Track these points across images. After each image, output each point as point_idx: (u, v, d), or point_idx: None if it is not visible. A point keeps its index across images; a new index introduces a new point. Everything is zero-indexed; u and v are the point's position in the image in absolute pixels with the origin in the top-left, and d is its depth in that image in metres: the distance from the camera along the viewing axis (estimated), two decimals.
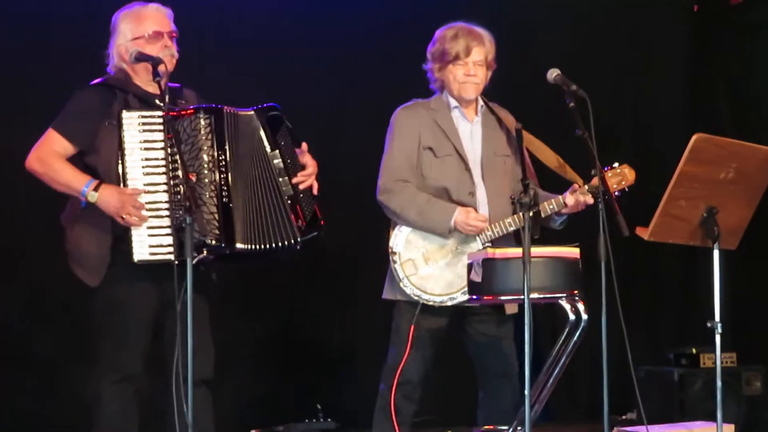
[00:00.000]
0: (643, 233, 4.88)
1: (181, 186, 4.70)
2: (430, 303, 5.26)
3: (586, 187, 5.23)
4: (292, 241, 4.96)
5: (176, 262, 4.69)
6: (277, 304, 7.17)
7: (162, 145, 4.81)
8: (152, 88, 4.96)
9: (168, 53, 4.96)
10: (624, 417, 7.37)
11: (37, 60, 6.48)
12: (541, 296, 4.96)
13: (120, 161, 4.79)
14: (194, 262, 4.53)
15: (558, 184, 5.38)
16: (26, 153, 4.89)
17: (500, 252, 4.96)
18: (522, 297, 4.57)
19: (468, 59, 5.33)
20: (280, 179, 5.00)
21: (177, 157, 4.74)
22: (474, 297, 5.09)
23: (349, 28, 7.24)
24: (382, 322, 5.55)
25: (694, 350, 7.12)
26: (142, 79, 4.99)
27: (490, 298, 5.06)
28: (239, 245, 4.87)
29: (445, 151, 5.34)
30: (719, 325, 4.92)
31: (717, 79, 8.20)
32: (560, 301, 5.09)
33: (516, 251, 4.77)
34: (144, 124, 4.81)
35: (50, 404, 6.49)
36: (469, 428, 5.51)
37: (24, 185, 5.41)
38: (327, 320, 7.16)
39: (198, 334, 4.58)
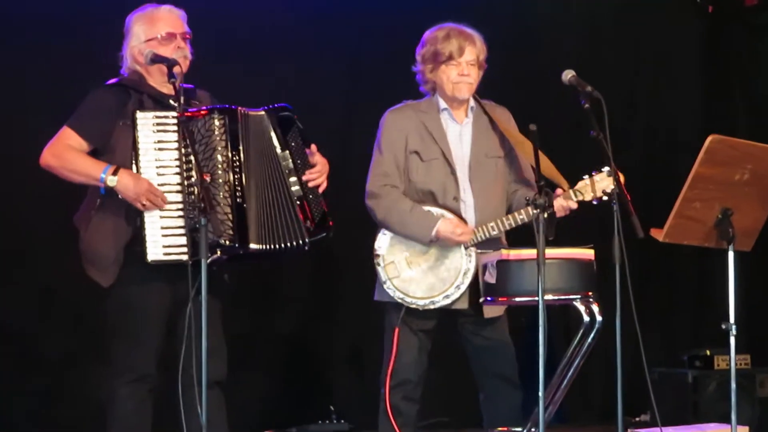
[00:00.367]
0: (658, 235, 4.87)
1: (195, 186, 4.71)
2: (414, 306, 5.26)
3: (571, 192, 5.22)
4: (301, 241, 4.96)
5: (190, 262, 4.70)
6: (290, 305, 7.17)
7: (176, 145, 4.82)
8: (166, 89, 4.96)
9: (181, 54, 4.96)
10: (638, 419, 7.36)
11: (56, 64, 6.49)
12: (556, 298, 4.96)
13: (134, 161, 4.80)
14: (208, 262, 4.53)
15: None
16: (38, 154, 4.90)
17: (515, 253, 4.96)
18: (536, 298, 4.55)
19: (461, 59, 5.30)
20: (290, 179, 5.00)
21: (191, 157, 4.75)
22: (488, 298, 5.09)
23: (359, 29, 7.25)
24: None
25: (708, 352, 7.11)
26: (156, 80, 5.00)
27: (505, 299, 5.07)
28: (253, 245, 4.87)
29: (432, 155, 5.33)
30: (733, 326, 4.91)
31: (731, 81, 8.19)
32: (575, 302, 5.09)
33: (530, 252, 4.76)
34: (158, 124, 4.82)
35: (61, 405, 6.50)
36: (482, 430, 5.50)
37: (37, 187, 5.44)
38: (340, 321, 7.16)
39: (211, 335, 4.58)
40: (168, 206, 4.79)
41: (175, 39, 4.98)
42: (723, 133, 4.86)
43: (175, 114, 4.79)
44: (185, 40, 5.02)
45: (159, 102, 4.94)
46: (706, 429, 5.75)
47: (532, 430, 5.12)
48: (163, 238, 4.77)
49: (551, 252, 4.76)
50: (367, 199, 5.34)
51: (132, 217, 4.80)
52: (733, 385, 4.96)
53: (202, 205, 4.55)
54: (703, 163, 4.76)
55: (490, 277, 5.04)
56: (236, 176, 4.86)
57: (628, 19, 7.99)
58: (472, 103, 5.42)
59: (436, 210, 5.26)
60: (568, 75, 4.96)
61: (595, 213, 5.33)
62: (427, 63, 5.36)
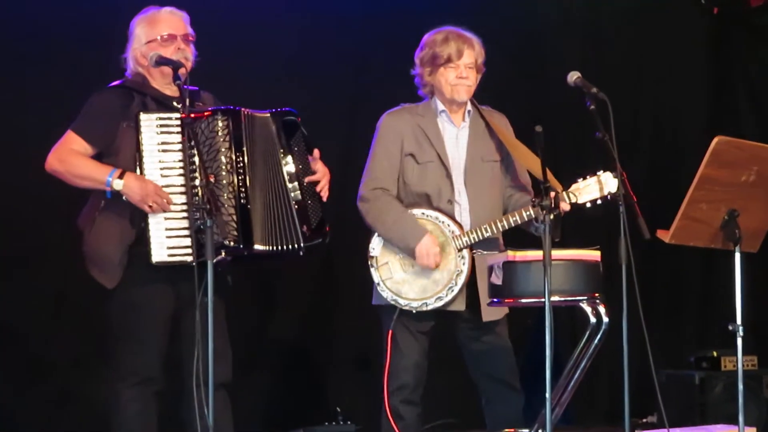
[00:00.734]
0: (664, 236, 4.86)
1: (200, 188, 4.71)
2: (407, 308, 5.26)
3: (565, 194, 5.22)
4: (296, 245, 4.97)
5: (194, 264, 4.70)
6: (296, 306, 7.17)
7: (180, 147, 4.82)
8: (170, 91, 4.98)
9: (182, 56, 4.96)
10: (645, 420, 7.34)
11: (63, 67, 6.49)
12: (562, 299, 4.95)
13: (138, 163, 4.81)
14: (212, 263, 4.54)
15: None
16: (45, 157, 4.91)
17: (521, 255, 4.95)
18: (543, 300, 4.55)
19: (459, 62, 5.31)
20: (290, 184, 5.01)
21: (195, 159, 4.76)
22: (495, 300, 5.09)
23: (365, 33, 7.24)
24: None
25: (715, 353, 7.10)
26: (159, 82, 5.01)
27: (511, 301, 5.06)
28: (257, 246, 4.88)
29: (427, 158, 5.33)
30: (740, 327, 4.90)
31: (737, 82, 8.18)
32: (581, 304, 5.08)
33: (536, 254, 4.76)
34: (162, 126, 4.83)
35: (68, 408, 6.50)
36: None
37: (45, 190, 5.44)
38: (347, 322, 7.15)
39: (216, 336, 4.57)
40: (172, 207, 4.79)
41: (175, 40, 4.98)
42: (729, 135, 4.86)
43: (178, 116, 4.80)
44: (187, 42, 5.02)
45: (162, 104, 4.95)
46: (714, 430, 5.74)
47: (539, 431, 5.11)
48: (168, 240, 4.78)
49: (558, 253, 4.76)
50: (359, 202, 5.37)
51: (136, 218, 4.82)
52: (741, 387, 4.95)
53: (208, 206, 4.55)
54: (709, 165, 4.76)
55: (496, 279, 5.03)
56: (240, 177, 4.87)
57: (632, 20, 7.98)
58: (469, 106, 5.42)
59: (431, 213, 5.27)
60: (573, 76, 4.96)
61: (601, 214, 5.32)
62: (425, 66, 5.37)
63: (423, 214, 5.30)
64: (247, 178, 4.88)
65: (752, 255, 5.12)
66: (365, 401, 6.93)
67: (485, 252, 5.27)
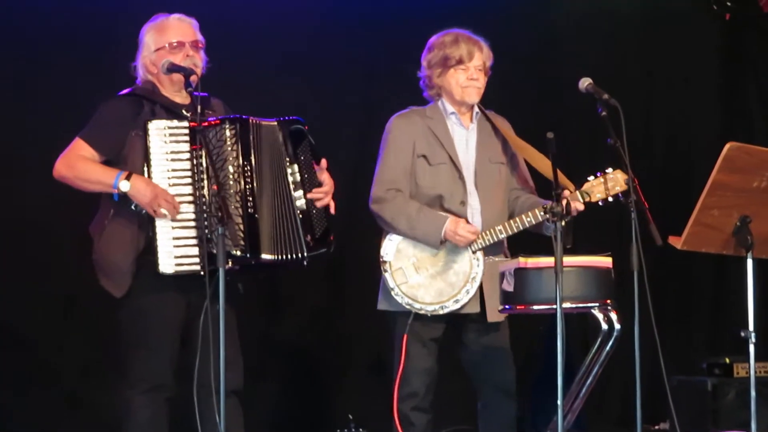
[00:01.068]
0: (676, 242, 4.85)
1: (211, 196, 4.71)
2: (422, 312, 5.24)
3: (578, 193, 5.21)
4: (299, 255, 4.97)
5: (202, 273, 4.71)
6: (308, 313, 7.18)
7: (188, 155, 4.82)
8: (180, 99, 4.98)
9: (190, 63, 4.96)
10: (657, 427, 7.34)
11: (75, 75, 6.52)
12: (574, 306, 4.95)
13: (146, 172, 4.81)
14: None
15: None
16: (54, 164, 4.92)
17: (532, 261, 4.95)
18: (554, 306, 4.55)
19: (470, 63, 5.30)
20: (295, 193, 5.00)
21: (203, 167, 4.76)
22: (506, 307, 5.08)
23: (376, 38, 7.25)
24: None
25: (727, 360, 7.08)
26: (169, 90, 5.01)
27: (522, 307, 5.05)
28: (265, 256, 4.88)
29: (439, 159, 5.33)
30: (753, 334, 4.89)
31: (749, 87, 8.17)
32: (593, 310, 5.08)
33: (548, 260, 4.76)
34: (171, 134, 4.83)
35: (79, 414, 6.51)
36: None
37: (57, 196, 5.45)
38: (358, 329, 7.15)
39: (228, 344, 4.57)
40: (180, 216, 4.80)
41: (183, 47, 4.98)
42: (740, 140, 4.86)
43: (187, 124, 4.81)
44: (196, 49, 5.02)
45: (172, 111, 4.94)
46: None
47: None
48: (175, 249, 4.78)
49: (569, 260, 4.75)
50: (372, 204, 5.34)
51: (145, 226, 4.81)
52: (753, 393, 4.94)
53: (220, 214, 4.55)
54: (721, 171, 4.75)
55: (508, 286, 5.03)
56: (248, 186, 4.87)
57: (644, 27, 7.98)
58: (476, 109, 5.42)
59: (441, 214, 5.27)
60: (585, 83, 4.96)
61: (613, 220, 5.31)
62: (434, 68, 5.36)
63: None
64: (255, 186, 4.88)
65: (764, 261, 5.11)
66: (376, 408, 6.90)
67: (495, 258, 5.26)
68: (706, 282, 8.03)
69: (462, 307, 5.24)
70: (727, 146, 4.75)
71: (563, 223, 4.60)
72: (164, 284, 4.81)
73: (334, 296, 7.23)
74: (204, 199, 4.75)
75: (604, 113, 4.83)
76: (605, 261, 5.05)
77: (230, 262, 4.73)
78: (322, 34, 7.18)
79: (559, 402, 4.56)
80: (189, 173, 4.82)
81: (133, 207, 4.80)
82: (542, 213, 5.16)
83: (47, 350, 6.49)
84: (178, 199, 4.79)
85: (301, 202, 5.00)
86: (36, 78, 6.49)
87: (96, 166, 4.86)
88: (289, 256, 4.94)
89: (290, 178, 5.00)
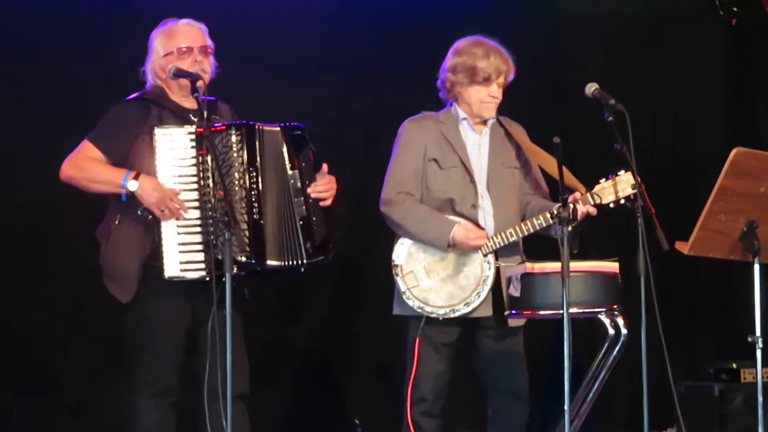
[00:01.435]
0: (683, 248, 4.85)
1: (218, 201, 4.71)
2: (434, 315, 5.23)
3: (589, 195, 5.20)
4: (298, 261, 4.97)
5: (207, 279, 4.71)
6: (313, 317, 7.17)
7: (194, 161, 4.83)
8: (188, 103, 4.99)
9: (199, 68, 4.97)
10: None
11: (84, 79, 6.53)
12: (581, 311, 4.96)
13: (153, 176, 4.82)
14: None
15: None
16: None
17: (539, 266, 4.95)
18: (561, 311, 4.55)
19: (495, 80, 5.31)
20: (295, 199, 5.00)
21: (210, 173, 4.77)
22: (513, 312, 5.08)
23: (385, 42, 7.26)
24: None
25: (734, 365, 7.06)
26: (177, 95, 5.02)
27: (529, 312, 5.06)
28: (270, 261, 4.89)
29: (450, 163, 5.33)
30: (760, 339, 4.89)
31: (756, 93, 8.16)
32: (599, 315, 5.08)
33: (555, 266, 4.75)
34: (177, 140, 4.84)
35: (86, 419, 6.51)
36: None
37: (65, 200, 5.46)
38: (365, 332, 7.15)
39: (234, 349, 4.58)
40: (186, 222, 4.81)
41: (192, 53, 4.99)
42: (747, 145, 4.85)
43: (193, 129, 4.82)
44: (205, 54, 5.03)
45: (180, 116, 4.96)
46: None
47: None
48: (181, 255, 4.79)
49: (576, 265, 4.76)
50: (382, 206, 5.34)
51: (151, 231, 4.82)
52: (760, 399, 4.94)
53: (226, 219, 4.56)
54: (727, 176, 4.75)
55: (515, 291, 5.03)
56: (253, 192, 4.87)
57: (651, 32, 7.97)
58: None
59: (452, 217, 5.27)
60: (591, 88, 4.96)
61: (619, 225, 5.31)
62: (458, 75, 5.31)
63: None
64: (260, 192, 4.89)
65: None
66: (384, 413, 6.92)
67: (511, 262, 5.26)
68: (713, 287, 8.02)
69: (473, 310, 5.23)
70: (734, 151, 4.74)
71: (570, 228, 4.60)
72: (170, 290, 4.82)
73: (344, 301, 7.22)
74: (210, 205, 4.76)
75: (610, 118, 4.83)
76: (612, 266, 5.04)
77: (236, 268, 4.74)
78: (329, 37, 7.18)
79: (566, 407, 4.56)
80: (195, 178, 4.84)
81: (139, 212, 4.81)
82: (550, 217, 5.16)
83: (51, 354, 6.49)
84: (184, 204, 4.80)
85: (301, 209, 5.00)
86: (36, 79, 6.50)
87: (104, 166, 4.88)
88: (286, 263, 4.95)
89: (291, 184, 5.00)
